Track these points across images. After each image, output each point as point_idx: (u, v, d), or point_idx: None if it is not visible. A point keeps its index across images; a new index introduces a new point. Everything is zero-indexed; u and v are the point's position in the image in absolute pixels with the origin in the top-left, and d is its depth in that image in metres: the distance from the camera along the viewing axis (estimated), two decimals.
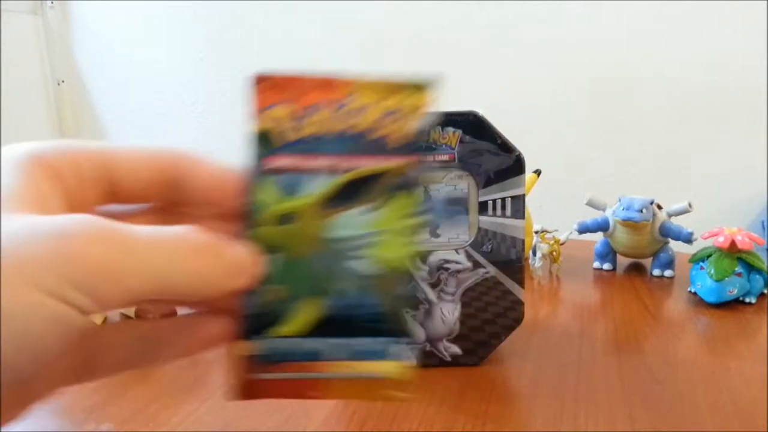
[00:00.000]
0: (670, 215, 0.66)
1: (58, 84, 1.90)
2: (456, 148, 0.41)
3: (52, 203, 0.18)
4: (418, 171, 0.21)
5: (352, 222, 0.21)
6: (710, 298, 0.56)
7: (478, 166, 0.41)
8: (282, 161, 0.21)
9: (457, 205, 0.42)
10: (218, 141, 1.72)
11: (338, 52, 1.60)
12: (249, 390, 0.22)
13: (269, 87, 0.21)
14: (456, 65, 1.52)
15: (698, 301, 0.58)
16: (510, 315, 0.44)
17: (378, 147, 0.21)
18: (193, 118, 1.77)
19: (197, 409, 0.39)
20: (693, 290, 0.60)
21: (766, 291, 0.59)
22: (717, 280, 0.56)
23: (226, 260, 0.20)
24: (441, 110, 0.40)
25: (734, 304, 0.57)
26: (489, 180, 0.41)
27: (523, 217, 0.42)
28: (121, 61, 1.86)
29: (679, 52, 1.37)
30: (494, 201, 0.42)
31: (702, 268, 0.59)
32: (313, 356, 0.22)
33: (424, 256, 0.43)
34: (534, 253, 0.67)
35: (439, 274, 0.43)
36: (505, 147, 0.41)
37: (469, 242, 0.43)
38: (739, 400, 0.40)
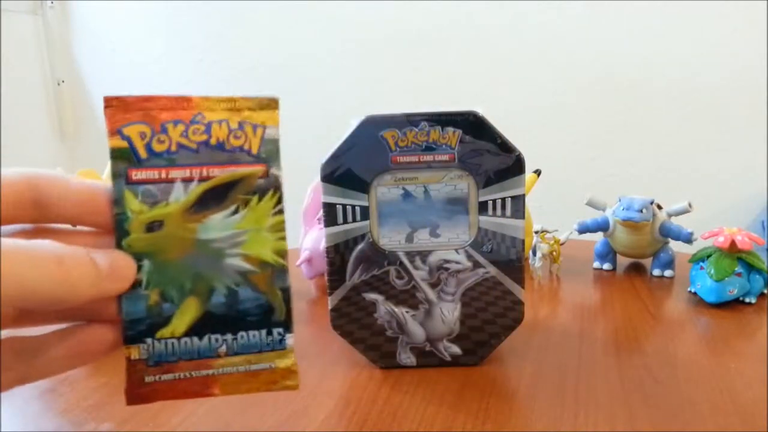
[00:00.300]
0: (670, 215, 0.66)
1: (58, 84, 1.90)
2: (456, 148, 0.41)
3: None
4: (270, 177, 0.24)
5: (218, 224, 0.24)
6: (710, 298, 0.56)
7: (478, 166, 0.41)
8: (142, 174, 0.23)
9: (457, 205, 0.42)
10: None
11: (338, 52, 1.60)
12: (143, 393, 0.24)
13: (121, 109, 0.23)
14: (456, 65, 1.53)
15: (698, 301, 0.58)
16: (510, 315, 0.44)
17: (230, 158, 0.24)
18: None
19: (197, 409, 0.39)
20: (693, 290, 0.60)
21: (766, 291, 0.59)
22: (717, 280, 0.56)
23: (89, 266, 0.21)
24: (441, 110, 0.40)
25: (734, 304, 0.57)
26: (489, 180, 0.41)
27: (523, 217, 0.42)
28: (121, 61, 1.86)
29: (679, 52, 1.37)
30: (494, 201, 0.42)
31: (702, 268, 0.59)
32: (202, 354, 0.24)
33: (424, 256, 0.43)
34: (534, 253, 0.67)
35: (439, 274, 0.43)
36: (505, 147, 0.41)
37: (469, 242, 0.43)
38: (739, 400, 0.40)
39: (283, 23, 1.64)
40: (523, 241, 0.43)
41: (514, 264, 0.43)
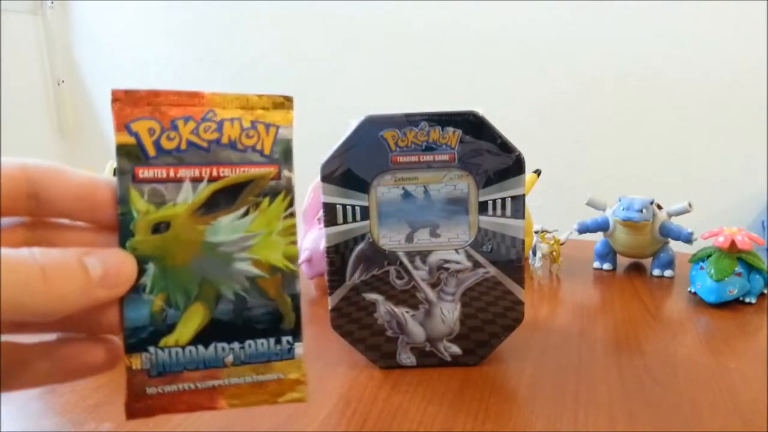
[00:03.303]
0: (670, 215, 0.66)
1: (58, 84, 1.90)
2: (456, 148, 0.41)
3: None
4: (282, 178, 0.23)
5: (227, 227, 0.22)
6: (710, 298, 0.56)
7: (478, 166, 0.41)
8: (150, 172, 0.22)
9: (457, 205, 0.42)
10: None
11: (338, 52, 1.60)
12: (144, 407, 0.22)
13: (129, 103, 0.22)
14: (456, 65, 1.52)
15: (698, 301, 0.58)
16: (510, 315, 0.44)
17: (242, 158, 0.23)
18: None
19: None
20: (693, 290, 0.60)
21: (766, 291, 0.59)
22: (717, 280, 0.56)
23: (77, 275, 0.19)
24: (441, 110, 0.40)
25: (734, 304, 0.57)
26: (489, 180, 0.41)
27: (523, 217, 0.42)
28: (121, 61, 1.86)
29: (679, 52, 1.37)
30: (494, 201, 0.42)
31: (702, 268, 0.59)
32: (208, 363, 0.22)
33: (424, 256, 0.43)
34: (534, 253, 0.67)
35: (439, 274, 0.43)
36: (505, 147, 0.41)
37: (469, 242, 0.43)
38: (739, 400, 0.40)
39: (283, 23, 1.64)
40: (523, 241, 0.43)
41: (514, 264, 0.43)
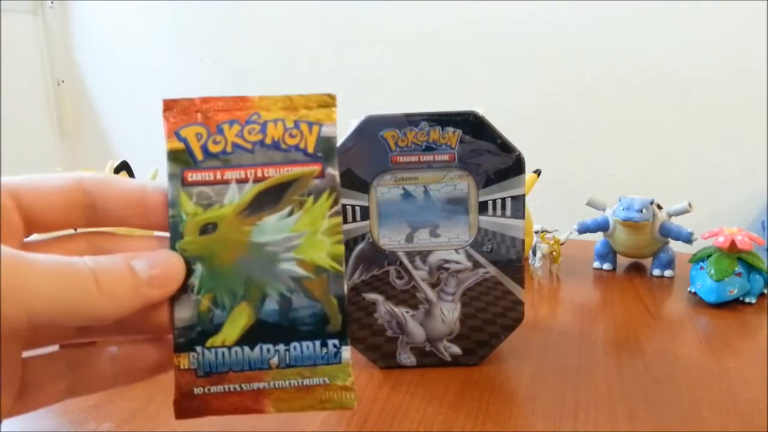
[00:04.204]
0: (670, 215, 0.66)
1: (58, 84, 1.90)
2: (456, 148, 0.41)
3: None
4: (326, 176, 0.23)
5: (272, 227, 0.23)
6: (710, 298, 0.56)
7: (478, 166, 0.41)
8: (198, 175, 0.23)
9: (457, 205, 0.42)
10: None
11: (338, 52, 1.60)
12: (191, 407, 0.22)
13: (179, 111, 0.23)
14: (456, 65, 1.52)
15: (698, 301, 0.58)
16: (510, 315, 0.44)
17: (285, 157, 0.23)
18: None
19: None
20: (693, 290, 0.60)
21: (766, 291, 0.59)
22: (717, 280, 0.56)
23: (126, 277, 0.20)
24: (441, 110, 0.40)
25: (734, 304, 0.57)
26: (489, 180, 0.41)
27: (523, 217, 0.42)
28: (121, 61, 1.86)
29: (679, 52, 1.37)
30: (494, 201, 0.42)
31: (702, 268, 0.59)
32: (253, 365, 0.22)
33: (424, 256, 0.43)
34: (534, 253, 0.67)
35: (439, 274, 0.43)
36: (505, 147, 0.41)
37: (469, 242, 0.43)
38: (739, 400, 0.40)
39: (283, 23, 1.64)
40: (523, 241, 0.43)
41: (514, 264, 0.43)
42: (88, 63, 1.91)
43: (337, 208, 0.23)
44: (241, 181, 0.23)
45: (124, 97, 1.85)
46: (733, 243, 0.57)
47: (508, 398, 0.41)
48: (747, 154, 1.36)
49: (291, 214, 0.23)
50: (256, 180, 0.23)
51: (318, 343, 0.23)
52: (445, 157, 0.41)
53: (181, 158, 0.23)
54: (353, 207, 0.42)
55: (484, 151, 0.41)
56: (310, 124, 0.23)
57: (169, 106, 0.23)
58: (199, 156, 0.23)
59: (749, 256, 0.58)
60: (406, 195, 0.42)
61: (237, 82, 1.71)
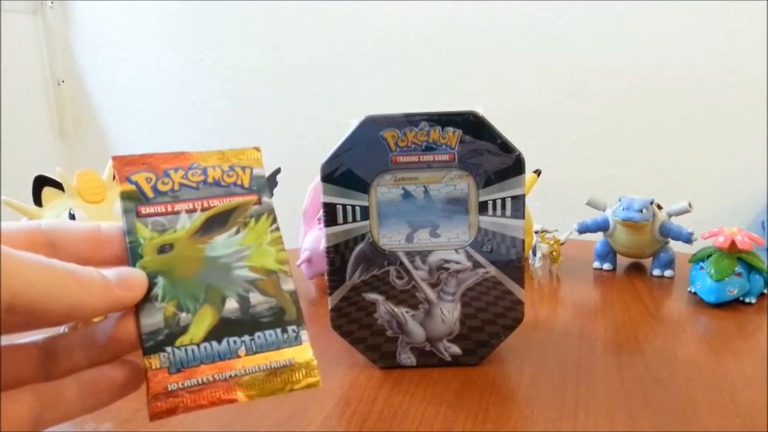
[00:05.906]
0: (670, 215, 0.66)
1: (58, 84, 1.90)
2: (456, 148, 0.41)
3: None
4: (263, 203, 0.27)
5: (223, 244, 0.26)
6: (710, 298, 0.56)
7: (478, 166, 0.41)
8: (151, 209, 0.26)
9: (457, 205, 0.42)
10: (218, 140, 1.72)
11: (337, 52, 1.60)
12: (166, 406, 0.23)
13: (127, 163, 0.27)
14: (456, 65, 1.52)
15: (698, 301, 0.58)
16: (510, 315, 0.44)
17: (227, 191, 0.27)
18: (193, 117, 1.77)
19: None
20: (693, 290, 0.60)
21: (766, 291, 0.59)
22: (717, 280, 0.56)
23: (98, 277, 0.23)
24: (441, 110, 0.40)
25: (734, 304, 0.57)
26: (489, 180, 0.41)
27: (523, 217, 0.42)
28: (121, 61, 1.86)
29: (679, 52, 1.37)
30: (494, 201, 0.42)
31: (702, 268, 0.59)
32: (222, 356, 0.25)
33: (424, 256, 0.43)
34: (534, 253, 0.67)
35: (439, 274, 0.43)
36: (505, 147, 0.41)
37: (469, 242, 0.43)
38: (739, 400, 0.40)
39: (283, 23, 1.64)
40: (523, 241, 0.43)
41: (514, 264, 0.43)
42: (88, 63, 1.91)
43: (276, 225, 0.27)
44: (191, 211, 0.26)
45: (124, 97, 1.85)
46: (733, 243, 0.57)
47: (508, 398, 0.41)
48: (747, 154, 1.36)
49: (238, 232, 0.26)
50: (204, 209, 0.26)
51: (279, 330, 0.25)
52: (445, 157, 0.41)
53: (133, 197, 0.26)
54: (353, 207, 0.42)
55: (484, 151, 0.41)
56: (243, 168, 0.28)
57: (119, 160, 0.27)
58: (150, 194, 0.26)
59: (749, 256, 0.58)
60: (406, 195, 0.42)
61: (237, 82, 1.71)
